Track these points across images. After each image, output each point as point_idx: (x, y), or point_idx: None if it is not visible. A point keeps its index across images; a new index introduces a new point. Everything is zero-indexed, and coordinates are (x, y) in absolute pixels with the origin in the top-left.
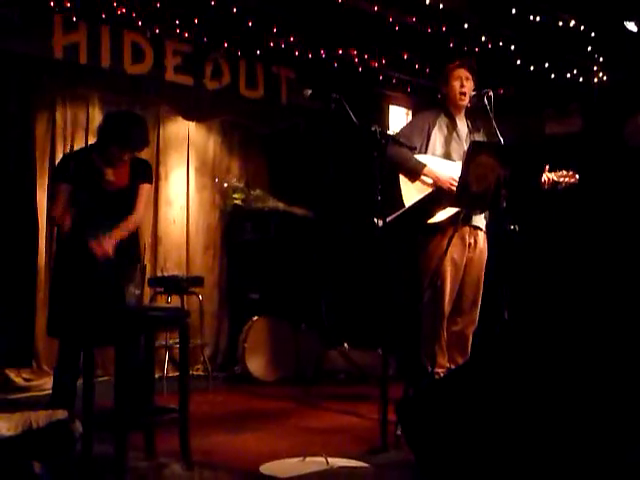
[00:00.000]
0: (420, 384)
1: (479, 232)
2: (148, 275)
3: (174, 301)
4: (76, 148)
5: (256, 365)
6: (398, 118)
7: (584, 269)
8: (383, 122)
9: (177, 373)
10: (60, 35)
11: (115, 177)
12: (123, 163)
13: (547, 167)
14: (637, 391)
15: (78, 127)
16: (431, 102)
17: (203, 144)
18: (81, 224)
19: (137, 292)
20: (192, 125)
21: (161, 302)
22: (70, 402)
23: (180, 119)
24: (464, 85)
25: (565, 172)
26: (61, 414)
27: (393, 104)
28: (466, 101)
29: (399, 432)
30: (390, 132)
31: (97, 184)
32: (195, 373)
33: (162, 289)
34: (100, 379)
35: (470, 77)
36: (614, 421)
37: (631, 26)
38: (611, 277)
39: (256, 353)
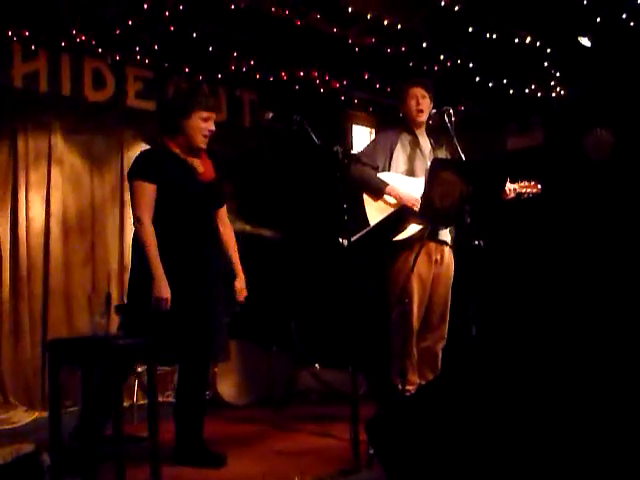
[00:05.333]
0: (391, 402)
1: (445, 247)
2: (116, 302)
3: None
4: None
5: (227, 389)
6: (361, 137)
7: (549, 281)
8: (347, 141)
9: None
10: (19, 64)
11: (204, 168)
12: (203, 153)
13: (508, 179)
14: (609, 402)
15: (40, 156)
16: (394, 120)
17: None
18: (188, 227)
19: (102, 321)
20: None
21: None
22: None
23: (143, 144)
24: (420, 103)
25: (527, 182)
26: (28, 447)
27: (356, 123)
28: (424, 117)
29: (371, 452)
30: (354, 151)
31: (192, 179)
32: (166, 400)
33: None
34: (70, 409)
35: (426, 95)
36: (588, 436)
37: (585, 41)
38: (576, 287)
39: (227, 377)
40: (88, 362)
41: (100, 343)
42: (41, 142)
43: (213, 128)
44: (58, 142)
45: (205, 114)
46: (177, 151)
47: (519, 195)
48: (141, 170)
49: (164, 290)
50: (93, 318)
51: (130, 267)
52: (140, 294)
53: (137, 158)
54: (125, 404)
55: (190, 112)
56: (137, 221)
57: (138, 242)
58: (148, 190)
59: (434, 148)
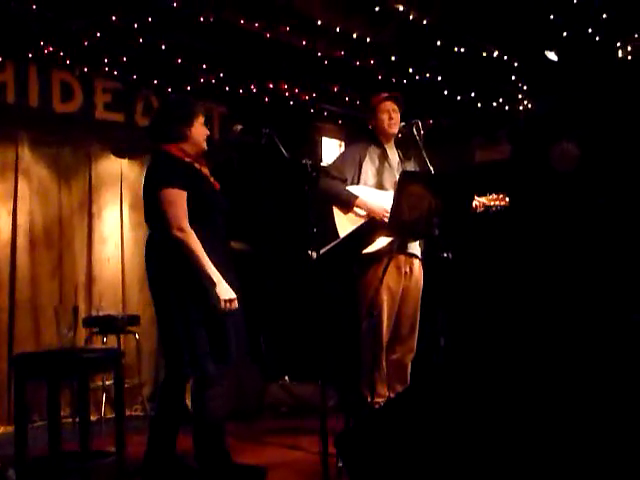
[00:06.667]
0: (360, 414)
1: (415, 260)
2: (83, 315)
3: (111, 341)
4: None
5: None
6: (331, 150)
7: (517, 293)
8: (316, 154)
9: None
10: None
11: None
12: (205, 162)
13: (476, 192)
14: (579, 414)
15: (7, 167)
16: (363, 133)
17: (136, 181)
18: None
19: (69, 334)
20: (125, 162)
21: (97, 343)
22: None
23: (112, 156)
24: (392, 117)
25: (495, 195)
26: None
27: (325, 136)
28: (395, 130)
29: (340, 464)
30: (323, 164)
31: (211, 187)
32: (134, 414)
33: (97, 329)
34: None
35: (397, 109)
36: (555, 450)
37: (551, 55)
38: (544, 298)
39: None
40: (54, 376)
41: (67, 356)
42: (8, 153)
43: (208, 132)
44: (25, 153)
45: (203, 119)
46: (189, 160)
47: (487, 208)
48: (173, 178)
49: (229, 291)
50: (60, 331)
51: (156, 281)
52: (184, 305)
53: (159, 165)
54: (92, 418)
55: (193, 119)
56: (180, 230)
57: (183, 251)
58: (183, 198)
59: (402, 161)
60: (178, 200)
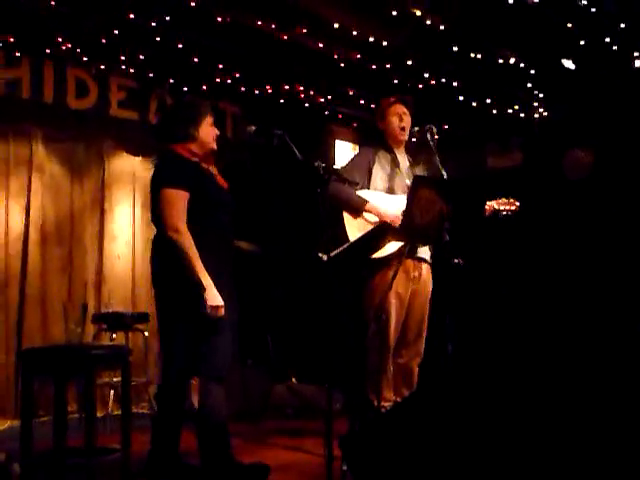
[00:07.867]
0: (366, 418)
1: (423, 264)
2: (92, 312)
3: (119, 338)
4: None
5: None
6: (344, 152)
7: (526, 299)
8: (329, 156)
9: None
10: (1, 69)
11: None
12: (213, 161)
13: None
14: (584, 422)
15: (21, 163)
16: (376, 136)
17: (149, 179)
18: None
19: (78, 330)
20: (137, 160)
21: (105, 340)
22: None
23: (125, 154)
24: (403, 120)
25: (505, 200)
26: None
27: (339, 139)
28: (406, 136)
29: (345, 467)
30: (336, 166)
31: (217, 186)
32: (140, 411)
33: (106, 326)
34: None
35: (407, 112)
36: (560, 458)
37: (568, 63)
38: (553, 305)
39: None
40: (61, 372)
41: (73, 352)
42: (22, 149)
43: (218, 132)
44: (39, 149)
45: (211, 119)
46: (195, 159)
47: (497, 212)
48: (173, 177)
49: (218, 298)
50: (68, 327)
51: (157, 279)
52: (181, 305)
53: (164, 165)
54: (99, 414)
55: (202, 119)
56: (175, 231)
57: (177, 252)
58: (183, 198)
59: (411, 165)
60: (177, 200)
